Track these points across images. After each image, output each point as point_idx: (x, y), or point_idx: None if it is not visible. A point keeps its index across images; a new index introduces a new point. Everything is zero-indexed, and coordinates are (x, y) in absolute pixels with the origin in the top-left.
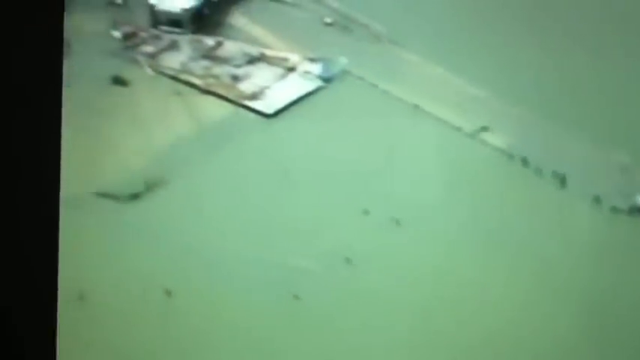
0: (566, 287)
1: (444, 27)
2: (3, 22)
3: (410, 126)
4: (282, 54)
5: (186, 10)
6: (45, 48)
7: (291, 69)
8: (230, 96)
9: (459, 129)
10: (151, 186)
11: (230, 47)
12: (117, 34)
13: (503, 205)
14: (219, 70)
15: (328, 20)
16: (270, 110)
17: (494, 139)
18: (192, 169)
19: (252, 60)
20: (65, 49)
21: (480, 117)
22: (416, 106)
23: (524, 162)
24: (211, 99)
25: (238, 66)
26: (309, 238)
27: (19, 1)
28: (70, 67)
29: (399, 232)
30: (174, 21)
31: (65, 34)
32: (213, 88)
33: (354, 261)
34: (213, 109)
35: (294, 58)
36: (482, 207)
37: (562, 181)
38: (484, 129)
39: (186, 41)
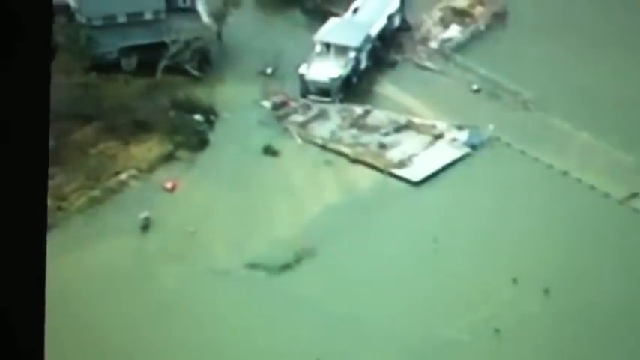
0: None
1: (591, 93)
2: None
3: (559, 193)
4: (429, 122)
5: (334, 79)
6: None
7: (439, 136)
8: (378, 164)
9: (608, 195)
10: (300, 256)
11: (378, 116)
12: (267, 103)
13: None
14: (367, 138)
15: (475, 87)
16: (416, 178)
17: None
18: (340, 238)
19: (400, 128)
20: (213, 117)
21: (630, 183)
22: (565, 173)
23: None
24: (360, 167)
25: (386, 134)
26: (459, 307)
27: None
28: (220, 137)
29: (548, 302)
30: (323, 90)
31: (215, 104)
32: (361, 157)
33: (503, 331)
34: (362, 177)
35: (441, 125)
36: (633, 276)
37: None
38: (634, 195)
39: (335, 110)
